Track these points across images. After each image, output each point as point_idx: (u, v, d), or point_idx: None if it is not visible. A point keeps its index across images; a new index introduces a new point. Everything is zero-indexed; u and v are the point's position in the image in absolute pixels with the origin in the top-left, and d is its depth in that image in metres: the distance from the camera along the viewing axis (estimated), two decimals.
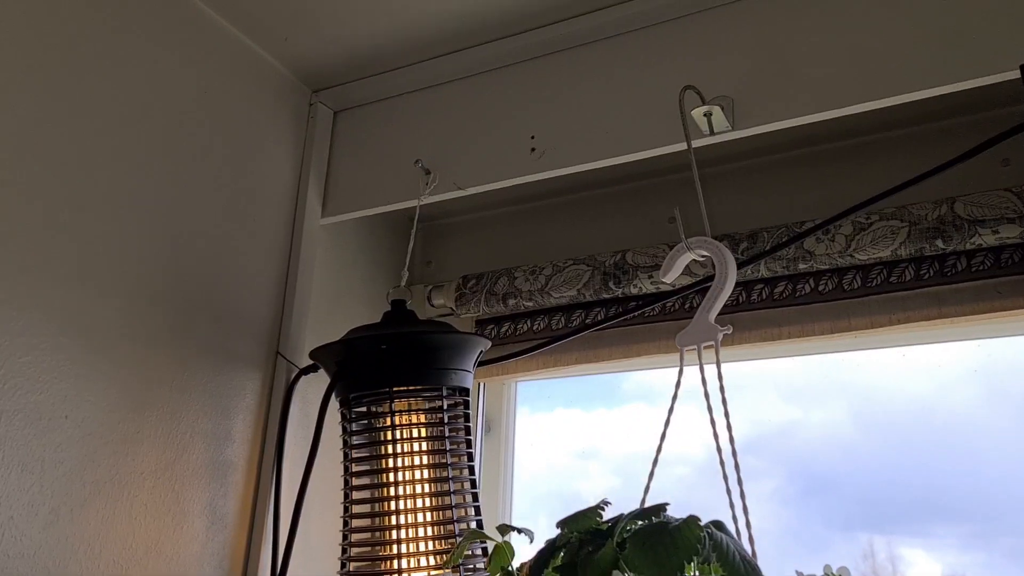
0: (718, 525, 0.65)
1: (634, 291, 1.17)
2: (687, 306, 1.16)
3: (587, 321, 1.23)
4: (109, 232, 0.95)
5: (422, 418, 0.99)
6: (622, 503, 0.74)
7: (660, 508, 0.68)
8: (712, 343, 0.80)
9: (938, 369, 1.11)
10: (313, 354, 1.03)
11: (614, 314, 1.16)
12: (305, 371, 1.14)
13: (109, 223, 0.95)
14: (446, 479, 0.96)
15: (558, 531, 0.73)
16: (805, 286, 1.08)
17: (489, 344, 1.03)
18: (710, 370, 0.80)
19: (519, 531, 0.78)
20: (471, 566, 0.95)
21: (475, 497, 0.99)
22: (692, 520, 0.62)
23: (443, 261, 1.47)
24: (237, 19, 1.13)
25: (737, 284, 1.08)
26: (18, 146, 0.86)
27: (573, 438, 1.38)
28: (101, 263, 0.93)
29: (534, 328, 1.28)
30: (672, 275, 0.87)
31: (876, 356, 1.16)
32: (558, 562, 0.72)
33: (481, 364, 1.06)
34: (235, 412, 1.08)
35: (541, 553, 0.73)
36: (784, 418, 1.20)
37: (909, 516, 1.08)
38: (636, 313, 1.15)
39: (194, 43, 1.09)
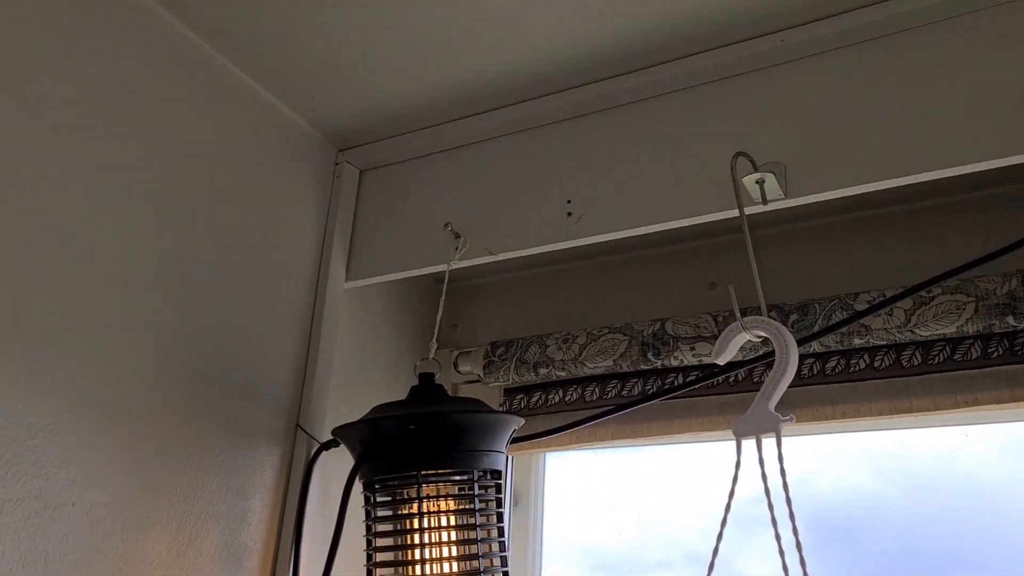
0: None
1: (674, 363, 1.10)
2: (730, 379, 1.09)
3: (623, 392, 1.16)
4: (119, 301, 0.89)
5: (451, 504, 0.93)
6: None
7: None
8: (773, 433, 0.74)
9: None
10: (336, 432, 0.96)
11: (656, 391, 1.10)
12: (326, 446, 1.08)
13: (120, 291, 0.90)
14: (477, 572, 0.89)
15: None
16: (860, 361, 1.01)
17: (523, 422, 0.96)
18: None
19: None
20: None
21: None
22: None
23: (470, 324, 1.42)
24: (263, 78, 1.09)
25: None
26: (25, 213, 0.82)
27: (593, 486, 1.33)
28: (110, 335, 0.88)
29: (566, 399, 1.21)
30: (725, 357, 0.81)
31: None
32: None
33: (515, 441, 1.00)
34: (252, 491, 1.02)
35: None
36: (803, 467, 1.15)
37: (930, 570, 1.03)
38: (682, 392, 1.09)
39: (218, 100, 1.05)
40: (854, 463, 1.13)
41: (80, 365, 0.84)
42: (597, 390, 1.19)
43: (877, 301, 0.93)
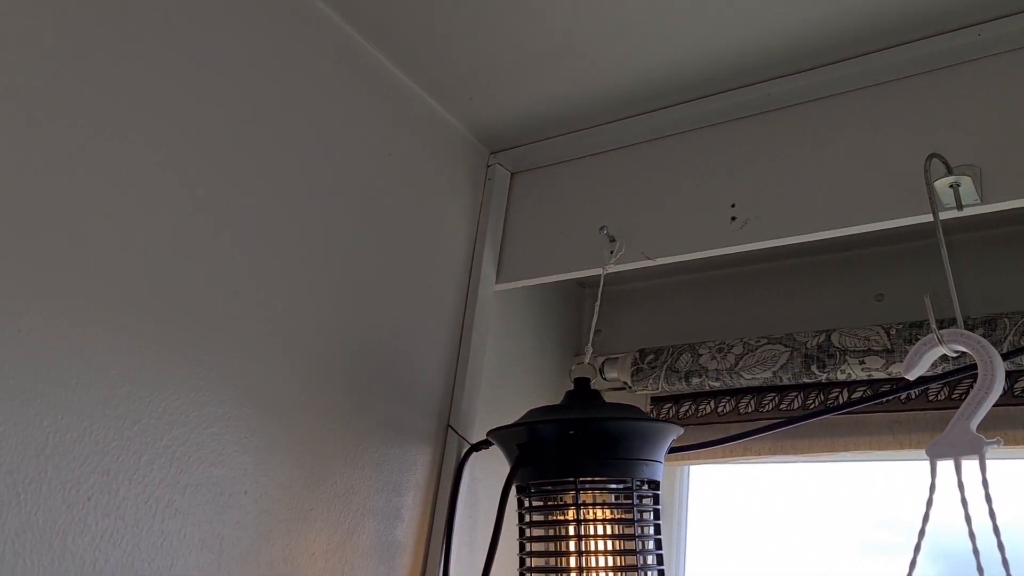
0: None
1: (841, 376, 1.04)
2: (903, 397, 1.02)
3: (782, 407, 1.11)
4: (290, 301, 0.92)
5: (608, 513, 0.90)
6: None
7: None
8: (975, 456, 0.68)
9: None
10: (492, 434, 0.96)
11: (815, 409, 1.04)
12: (477, 447, 1.08)
13: (292, 291, 0.92)
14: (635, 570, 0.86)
15: None
16: None
17: (683, 432, 0.93)
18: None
19: None
20: None
21: None
22: None
23: (615, 330, 1.39)
24: (423, 81, 1.10)
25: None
26: (216, 218, 0.85)
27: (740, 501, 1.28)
28: (283, 335, 0.90)
29: (719, 410, 1.17)
30: (917, 371, 0.75)
31: None
32: None
33: (670, 451, 0.97)
34: (405, 488, 1.02)
35: None
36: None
37: None
38: (859, 407, 1.03)
39: (382, 102, 1.07)
40: None
41: (255, 361, 0.87)
42: (753, 402, 1.14)
43: None
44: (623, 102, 1.10)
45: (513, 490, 0.95)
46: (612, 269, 1.08)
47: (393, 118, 1.09)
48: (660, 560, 0.90)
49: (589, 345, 1.01)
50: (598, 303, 1.05)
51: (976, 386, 0.69)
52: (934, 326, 0.73)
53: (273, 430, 0.87)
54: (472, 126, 1.19)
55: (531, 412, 0.94)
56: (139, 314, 0.77)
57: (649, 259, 1.05)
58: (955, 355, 0.74)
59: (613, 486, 0.90)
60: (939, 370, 0.95)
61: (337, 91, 1.01)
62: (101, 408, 0.72)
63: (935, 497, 0.69)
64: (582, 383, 0.97)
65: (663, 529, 1.27)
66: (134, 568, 0.73)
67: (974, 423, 0.69)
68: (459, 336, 1.15)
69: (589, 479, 0.89)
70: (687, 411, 1.20)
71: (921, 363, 0.74)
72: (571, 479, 0.89)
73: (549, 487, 0.91)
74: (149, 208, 0.79)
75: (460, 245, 1.18)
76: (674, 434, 0.92)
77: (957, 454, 0.68)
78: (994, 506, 0.65)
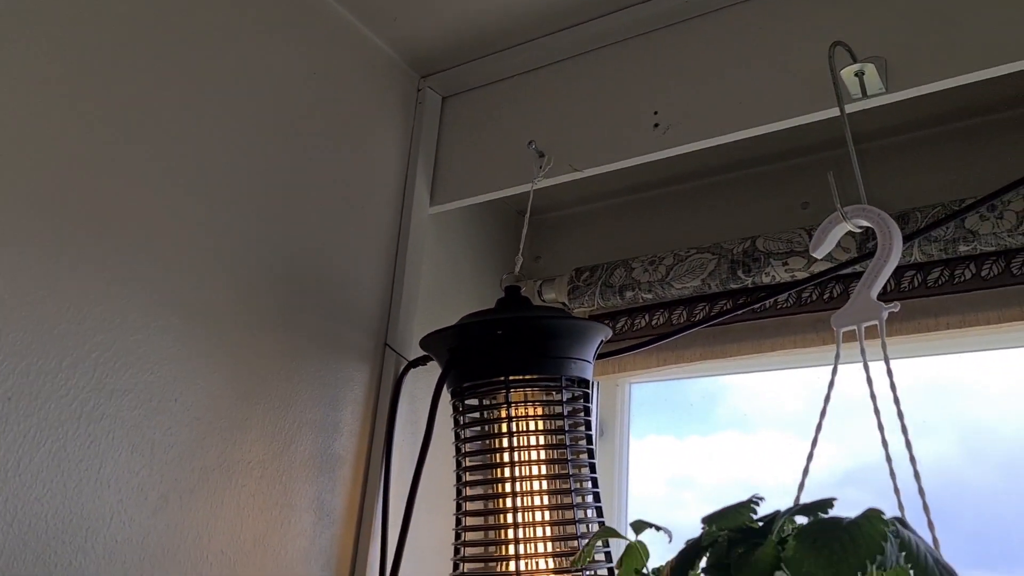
0: (902, 522, 0.55)
1: (766, 280, 1.07)
2: (826, 296, 1.06)
3: (712, 314, 1.14)
4: (217, 215, 0.92)
5: (539, 410, 0.92)
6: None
7: (826, 504, 0.59)
8: (875, 322, 0.71)
9: None
10: (424, 342, 0.97)
11: (743, 303, 1.07)
12: (414, 363, 1.09)
13: (218, 206, 0.92)
14: (566, 476, 0.89)
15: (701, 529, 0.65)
16: (965, 271, 0.96)
17: (610, 332, 0.95)
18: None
19: (657, 528, 0.70)
20: (591, 572, 0.87)
21: (596, 497, 0.91)
22: (874, 514, 0.53)
23: (553, 256, 1.41)
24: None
25: None
26: (128, 129, 0.84)
27: (666, 466, 1.31)
28: (209, 247, 0.90)
29: (653, 323, 1.20)
30: (824, 249, 0.78)
31: (987, 382, 1.04)
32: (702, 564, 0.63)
33: (599, 357, 0.99)
34: (343, 403, 1.04)
35: (684, 553, 0.64)
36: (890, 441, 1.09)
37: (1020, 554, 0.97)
38: (770, 300, 1.06)
39: (304, 25, 1.07)
40: (941, 442, 1.07)
41: (181, 272, 0.87)
42: (684, 313, 1.16)
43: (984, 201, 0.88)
44: (548, 16, 1.10)
45: (448, 399, 0.97)
46: (541, 184, 1.09)
47: (314, 38, 1.08)
48: (592, 455, 0.92)
49: (520, 255, 1.03)
50: (528, 213, 1.07)
51: (876, 255, 0.72)
52: (838, 204, 0.76)
53: (202, 340, 0.88)
54: (399, 48, 1.19)
55: (463, 318, 0.96)
56: (55, 222, 0.76)
57: (577, 170, 1.06)
58: (859, 230, 0.77)
59: (544, 384, 0.92)
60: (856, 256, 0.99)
61: (256, 10, 1.00)
62: (16, 312, 0.72)
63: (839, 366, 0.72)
64: (513, 291, 0.98)
65: (606, 447, 1.31)
66: (60, 468, 0.73)
67: (874, 291, 0.72)
68: (395, 257, 1.15)
69: (519, 377, 0.91)
70: (623, 327, 1.23)
71: (827, 240, 0.77)
72: (501, 378, 0.91)
73: (481, 389, 0.93)
74: (65, 123, 0.78)
75: (393, 168, 1.18)
76: (601, 333, 0.94)
77: (859, 321, 0.71)
78: (892, 366, 0.68)
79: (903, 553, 0.52)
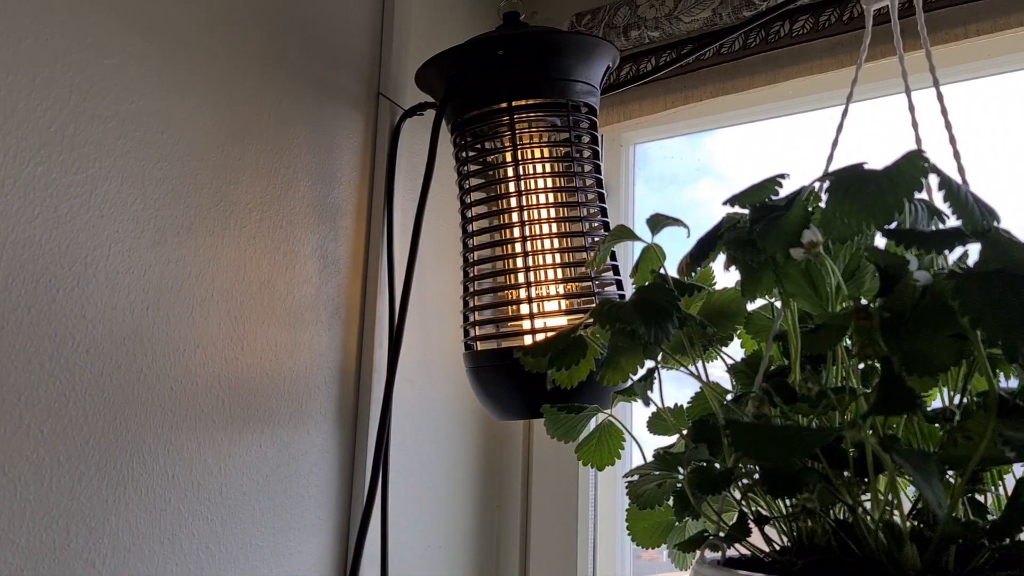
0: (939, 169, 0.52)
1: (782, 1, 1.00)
2: (845, 17, 0.99)
3: (722, 51, 1.07)
4: None
5: (545, 138, 0.88)
6: None
7: (858, 166, 0.55)
8: None
9: None
10: (419, 74, 0.92)
11: (756, 37, 1.00)
12: (410, 112, 1.04)
13: None
14: (576, 204, 0.86)
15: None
16: None
17: (617, 55, 0.89)
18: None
19: (676, 222, 0.67)
20: (601, 289, 0.86)
21: (607, 227, 0.89)
22: (915, 153, 0.49)
23: (550, 6, 1.32)
24: None
25: None
26: None
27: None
28: None
29: (659, 64, 1.13)
30: None
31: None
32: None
33: (604, 92, 0.94)
34: (339, 152, 0.99)
35: (704, 239, 0.62)
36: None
37: None
38: (783, 31, 0.99)
39: None
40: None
41: None
42: (694, 49, 1.10)
43: None
44: None
45: (451, 135, 0.93)
46: None
47: None
48: (600, 184, 0.89)
49: None
50: None
51: None
52: None
53: (183, 72, 0.82)
54: None
55: (459, 44, 0.90)
56: None
57: None
58: None
59: (549, 109, 0.87)
60: None
61: None
62: None
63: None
64: (512, 16, 0.92)
65: (611, 208, 1.28)
66: (49, 192, 0.70)
67: None
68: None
69: (523, 102, 0.86)
70: (628, 73, 1.16)
71: None
72: (504, 105, 0.86)
73: (482, 120, 0.88)
74: None
75: None
76: (608, 55, 0.88)
77: None
78: (928, 38, 0.63)
79: (943, 191, 0.50)
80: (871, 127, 1.01)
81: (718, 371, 0.70)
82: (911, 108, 0.69)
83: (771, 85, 1.04)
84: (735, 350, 0.70)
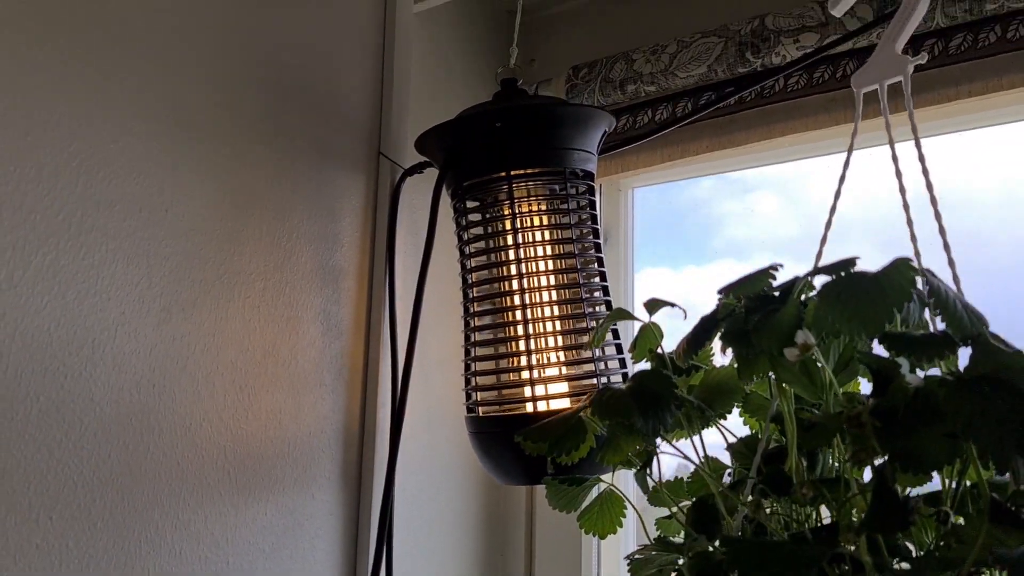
0: (930, 273, 0.53)
1: (776, 60, 1.01)
2: (839, 75, 1.00)
3: (717, 98, 1.08)
4: (190, 13, 0.85)
5: (544, 205, 0.90)
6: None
7: (849, 263, 0.56)
8: (899, 78, 0.66)
9: None
10: (419, 142, 0.93)
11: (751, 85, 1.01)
12: (411, 171, 1.05)
13: (191, 3, 0.85)
14: (574, 269, 0.87)
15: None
16: (990, 34, 0.90)
17: (613, 121, 0.91)
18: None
19: (672, 306, 0.68)
20: (603, 363, 0.87)
21: (606, 292, 0.90)
22: (903, 262, 0.50)
23: (549, 58, 1.33)
24: None
25: None
26: None
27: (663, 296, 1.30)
28: (187, 48, 0.84)
29: (656, 118, 1.14)
30: (843, 7, 0.72)
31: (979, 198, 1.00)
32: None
33: (602, 152, 0.95)
34: (341, 215, 1.01)
35: (699, 326, 0.63)
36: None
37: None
38: (780, 83, 1.01)
39: None
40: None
41: (155, 73, 0.81)
42: (689, 104, 1.11)
43: None
44: None
45: (451, 201, 0.94)
46: None
47: None
48: (599, 248, 0.90)
49: (514, 46, 0.96)
50: (519, 3, 0.99)
51: (901, 6, 0.67)
52: None
53: (187, 148, 0.83)
54: None
55: (459, 114, 0.91)
56: (12, 24, 0.70)
57: None
58: None
59: (547, 177, 0.89)
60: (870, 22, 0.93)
61: None
62: None
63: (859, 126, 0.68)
64: (509, 83, 0.93)
65: (611, 254, 1.29)
66: (56, 280, 0.71)
67: (899, 44, 0.67)
68: (381, 61, 1.09)
69: (521, 171, 0.87)
70: (625, 124, 1.17)
71: None
72: (503, 174, 0.88)
73: (481, 187, 0.90)
74: None
75: None
76: (604, 122, 0.89)
77: (882, 78, 0.67)
78: (916, 121, 0.64)
79: (932, 299, 0.51)
80: (864, 169, 1.02)
81: (717, 439, 0.71)
82: (901, 184, 0.70)
83: (766, 140, 1.05)
84: (735, 421, 0.71)
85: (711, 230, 1.29)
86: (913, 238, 0.61)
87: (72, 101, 0.74)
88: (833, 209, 0.68)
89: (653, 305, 0.69)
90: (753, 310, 0.60)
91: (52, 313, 0.70)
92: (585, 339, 0.86)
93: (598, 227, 0.91)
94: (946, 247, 0.59)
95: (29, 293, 0.69)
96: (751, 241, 1.22)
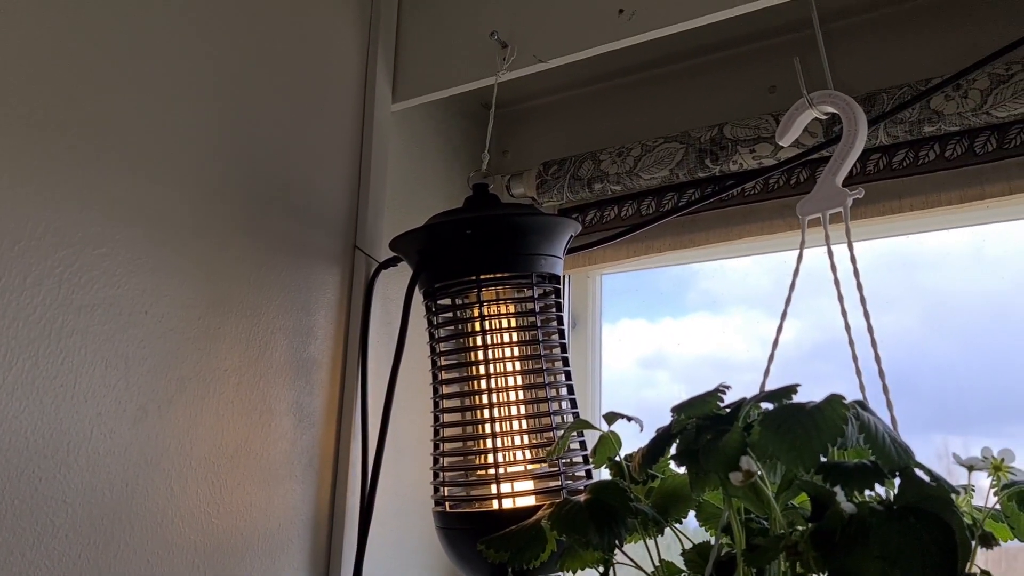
0: (862, 405, 0.57)
1: (733, 168, 1.07)
2: (792, 182, 1.06)
3: (680, 204, 1.14)
4: (168, 119, 0.89)
5: (512, 308, 0.93)
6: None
7: (789, 390, 0.61)
8: (839, 209, 0.71)
9: (1014, 264, 1.01)
10: (393, 244, 0.97)
11: (710, 192, 1.07)
12: (385, 265, 1.09)
13: (173, 108, 0.89)
14: (540, 371, 0.91)
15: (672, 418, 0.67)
16: (929, 152, 0.96)
17: (579, 227, 0.95)
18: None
19: (629, 419, 0.72)
20: (567, 460, 0.90)
21: (571, 390, 0.93)
22: (836, 399, 0.55)
23: (521, 150, 1.39)
24: None
25: None
26: (76, 33, 0.80)
27: (638, 348, 1.33)
28: (166, 154, 0.88)
29: (622, 215, 1.20)
30: (790, 136, 0.77)
31: (949, 256, 1.06)
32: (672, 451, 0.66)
33: (570, 251, 0.99)
34: (316, 308, 1.04)
35: (654, 442, 0.67)
36: (853, 322, 1.12)
37: (983, 417, 1.02)
38: (738, 188, 1.06)
39: None
40: (904, 313, 1.09)
41: (137, 180, 0.85)
42: (653, 203, 1.16)
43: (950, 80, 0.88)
44: None
45: (423, 299, 0.97)
46: (505, 77, 1.06)
47: None
48: (564, 349, 0.94)
49: (486, 152, 1.01)
50: (492, 109, 1.05)
51: (841, 142, 0.72)
52: (804, 90, 0.75)
53: (167, 251, 0.87)
54: None
55: (432, 218, 0.95)
56: (5, 129, 0.74)
57: (542, 61, 1.04)
58: (825, 116, 0.76)
59: (515, 282, 0.93)
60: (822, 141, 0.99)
61: None
62: None
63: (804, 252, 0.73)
64: (480, 188, 0.97)
65: (579, 340, 1.33)
66: (35, 385, 0.73)
67: (839, 177, 0.72)
68: (359, 157, 1.13)
69: (489, 276, 0.91)
70: (592, 219, 1.23)
71: (794, 127, 0.77)
72: (472, 278, 0.91)
73: (452, 288, 0.93)
74: (27, 36, 0.74)
75: (352, 63, 1.14)
76: (571, 228, 0.94)
77: (824, 208, 0.72)
78: (857, 248, 0.69)
79: (862, 435, 0.55)
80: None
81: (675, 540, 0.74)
82: (836, 283, 0.74)
83: (725, 242, 1.10)
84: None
85: (687, 283, 1.33)
86: (858, 372, 0.65)
87: (58, 210, 0.77)
88: (780, 329, 0.72)
89: (611, 417, 0.73)
90: (704, 429, 0.64)
91: (29, 418, 0.72)
92: (549, 435, 0.89)
93: (564, 327, 0.95)
94: (881, 374, 0.64)
95: (8, 400, 0.71)
96: (726, 295, 1.26)
